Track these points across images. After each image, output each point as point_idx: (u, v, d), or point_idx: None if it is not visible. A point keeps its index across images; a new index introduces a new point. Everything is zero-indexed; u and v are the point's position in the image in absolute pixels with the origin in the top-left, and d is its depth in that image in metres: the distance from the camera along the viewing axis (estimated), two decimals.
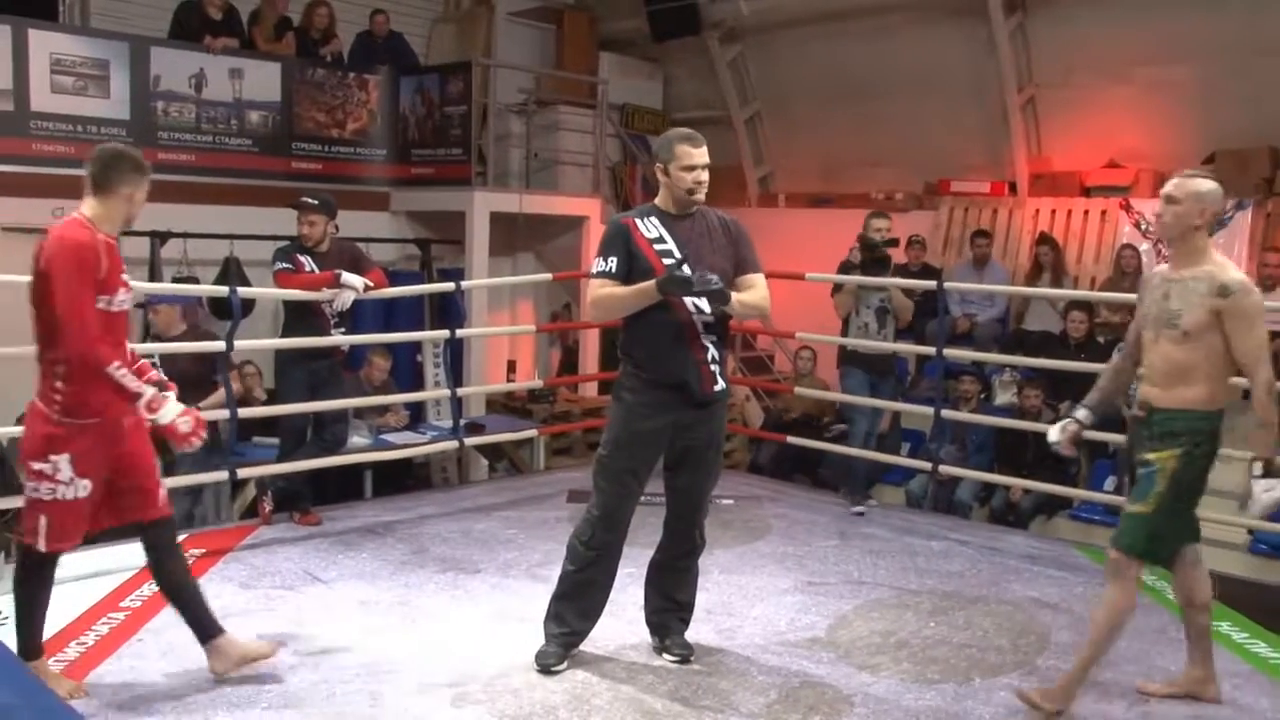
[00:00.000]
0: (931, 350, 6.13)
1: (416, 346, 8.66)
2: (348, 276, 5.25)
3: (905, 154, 9.65)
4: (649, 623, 3.91)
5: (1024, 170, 9.13)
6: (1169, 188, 3.42)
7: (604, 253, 3.66)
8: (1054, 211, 8.90)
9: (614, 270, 3.61)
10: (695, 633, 3.93)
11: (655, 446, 3.66)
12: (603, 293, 3.61)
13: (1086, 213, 8.68)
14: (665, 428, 3.62)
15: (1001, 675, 3.78)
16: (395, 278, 7.58)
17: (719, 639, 4.03)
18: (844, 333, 6.21)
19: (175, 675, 3.54)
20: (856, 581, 4.79)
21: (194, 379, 5.49)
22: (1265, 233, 7.93)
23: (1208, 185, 3.38)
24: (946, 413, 6.17)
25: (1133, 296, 5.49)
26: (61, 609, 4.04)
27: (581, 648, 3.81)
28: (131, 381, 3.15)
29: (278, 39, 8.63)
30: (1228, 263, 3.41)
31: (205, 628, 3.47)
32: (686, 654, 3.79)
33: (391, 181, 9.27)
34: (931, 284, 6.15)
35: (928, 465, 6.19)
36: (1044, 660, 3.93)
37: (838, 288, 6.18)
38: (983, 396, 7.44)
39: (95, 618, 4.02)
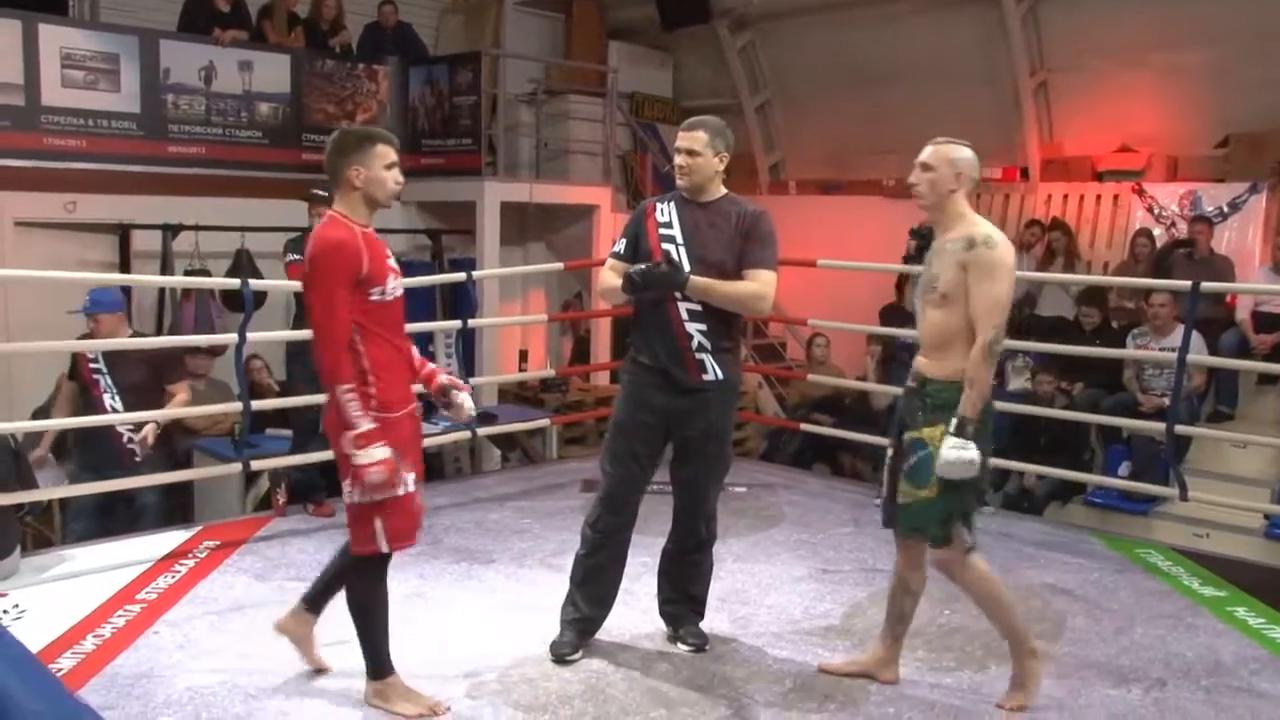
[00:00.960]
0: None
1: (428, 337, 8.64)
2: None
3: (916, 140, 9.31)
4: (662, 613, 3.92)
5: (1036, 156, 9.10)
6: (923, 155, 3.36)
7: (622, 234, 3.77)
8: (1066, 196, 8.87)
9: (620, 252, 3.73)
10: (710, 621, 3.93)
11: (653, 431, 3.66)
12: (603, 274, 3.75)
13: (1099, 198, 8.64)
14: (660, 413, 3.62)
15: None
16: (406, 268, 7.51)
17: (733, 628, 4.03)
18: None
19: (192, 667, 3.55)
20: (871, 569, 4.78)
21: (145, 386, 5.26)
22: (1279, 216, 7.88)
23: (961, 151, 3.33)
24: None
25: (1149, 281, 5.50)
26: (78, 602, 4.09)
27: (597, 637, 3.82)
28: (354, 410, 2.98)
29: (289, 32, 8.63)
30: (985, 222, 3.31)
31: (318, 602, 3.43)
32: (700, 643, 3.79)
33: (402, 172, 9.24)
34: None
35: None
36: (1059, 647, 3.92)
37: (902, 281, 6.03)
38: (995, 382, 7.41)
39: (112, 610, 4.03)
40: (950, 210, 3.34)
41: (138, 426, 5.12)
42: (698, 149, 3.59)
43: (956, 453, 3.17)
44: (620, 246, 3.72)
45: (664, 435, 3.69)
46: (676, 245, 3.60)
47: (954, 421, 3.20)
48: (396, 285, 3.17)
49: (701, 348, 3.58)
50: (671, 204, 3.69)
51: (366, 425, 2.98)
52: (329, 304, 3.01)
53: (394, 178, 3.19)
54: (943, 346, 3.30)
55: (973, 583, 3.37)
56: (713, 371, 3.61)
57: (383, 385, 3.07)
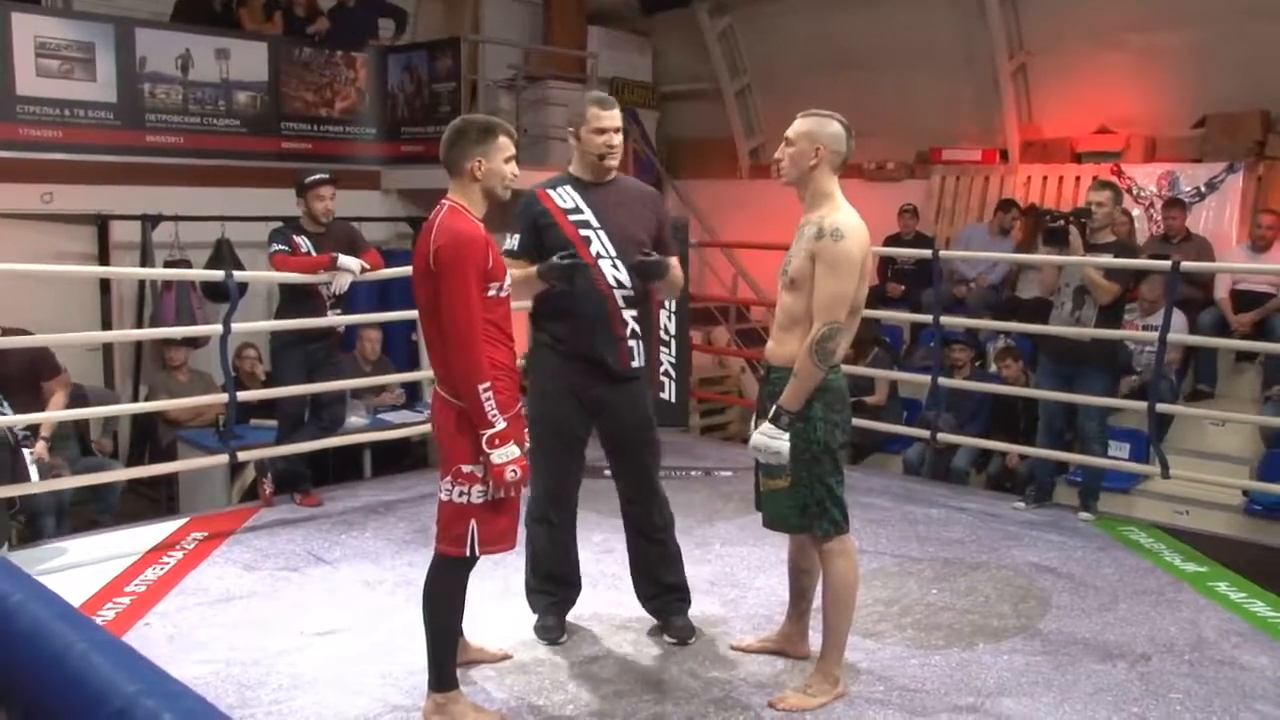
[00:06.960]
0: (927, 318, 6.13)
1: (412, 325, 8.63)
2: (344, 260, 5.24)
3: (897, 123, 9.60)
4: (647, 609, 3.86)
5: (1015, 138, 9.12)
6: (789, 130, 3.23)
7: (510, 229, 3.57)
8: (1045, 178, 8.91)
9: (516, 248, 3.54)
10: (700, 604, 3.94)
11: (584, 421, 3.63)
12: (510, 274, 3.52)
13: (1078, 179, 8.67)
14: (591, 402, 3.59)
15: (1005, 640, 3.82)
16: (388, 257, 7.55)
17: (724, 610, 4.06)
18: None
19: (184, 658, 3.55)
20: (858, 550, 4.79)
21: (24, 383, 5.18)
22: (1256, 196, 7.95)
23: (825, 124, 3.20)
24: (944, 381, 6.17)
25: (1130, 262, 5.53)
26: (68, 594, 4.04)
27: (586, 622, 3.85)
28: (490, 408, 2.91)
29: (267, 19, 8.57)
30: (846, 209, 3.18)
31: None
32: (686, 637, 3.74)
33: (382, 160, 9.23)
34: (926, 253, 6.16)
35: (925, 433, 6.21)
36: (1045, 624, 3.97)
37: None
38: (978, 364, 7.46)
39: (102, 602, 4.03)
40: (813, 188, 3.20)
41: (31, 436, 5.03)
42: (622, 126, 3.56)
43: (765, 439, 3.13)
44: (514, 244, 3.53)
45: (591, 423, 3.64)
46: (594, 230, 3.51)
47: (772, 409, 3.14)
48: (509, 282, 3.11)
49: (634, 334, 3.56)
50: (568, 188, 3.57)
51: (502, 424, 2.93)
52: (465, 299, 2.92)
53: (512, 170, 3.08)
54: (787, 329, 3.22)
55: (836, 572, 3.28)
56: (639, 358, 3.59)
57: (498, 385, 2.96)
